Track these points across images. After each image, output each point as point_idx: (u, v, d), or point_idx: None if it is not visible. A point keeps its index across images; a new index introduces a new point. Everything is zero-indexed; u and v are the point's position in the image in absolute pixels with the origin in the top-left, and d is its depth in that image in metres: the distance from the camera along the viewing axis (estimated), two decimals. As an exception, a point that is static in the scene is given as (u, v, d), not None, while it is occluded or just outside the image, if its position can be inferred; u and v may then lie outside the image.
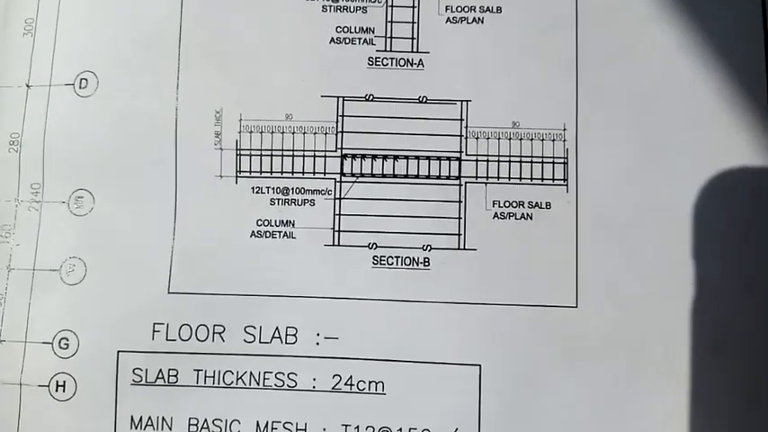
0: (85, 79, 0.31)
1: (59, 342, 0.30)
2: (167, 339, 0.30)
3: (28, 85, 0.31)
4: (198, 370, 0.30)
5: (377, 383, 0.30)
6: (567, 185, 0.30)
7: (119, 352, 0.30)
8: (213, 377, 0.30)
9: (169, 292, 0.30)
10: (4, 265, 0.31)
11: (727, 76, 0.30)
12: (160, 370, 0.30)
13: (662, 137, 0.30)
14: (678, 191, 0.30)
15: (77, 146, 0.31)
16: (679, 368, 0.29)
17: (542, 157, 0.30)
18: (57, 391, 0.30)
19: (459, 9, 0.31)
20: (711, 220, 0.30)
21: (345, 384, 0.30)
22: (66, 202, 0.31)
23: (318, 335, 0.30)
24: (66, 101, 0.31)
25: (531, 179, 0.30)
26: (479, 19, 0.31)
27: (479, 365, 0.30)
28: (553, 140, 0.30)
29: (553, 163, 0.30)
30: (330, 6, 0.31)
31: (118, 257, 0.31)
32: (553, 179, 0.30)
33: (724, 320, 0.29)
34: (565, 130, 0.30)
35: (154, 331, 0.30)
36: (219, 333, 0.30)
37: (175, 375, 0.30)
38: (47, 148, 0.31)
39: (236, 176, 0.31)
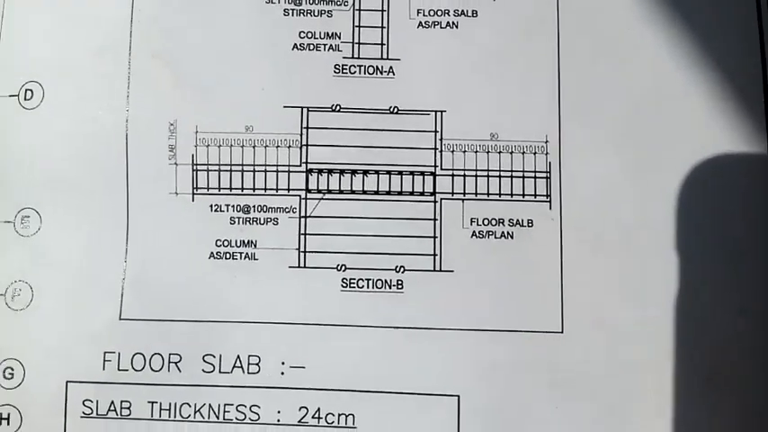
0: (30, 90, 0.29)
1: (4, 371, 0.28)
2: (119, 369, 0.28)
3: (-30, 97, 0.29)
4: (152, 402, 0.28)
5: (347, 416, 0.28)
6: (550, 201, 0.28)
7: (68, 382, 0.28)
8: (169, 410, 0.28)
9: (121, 319, 0.28)
10: (-57, 290, 0.29)
11: (720, 80, 0.29)
12: (112, 402, 0.28)
13: (653, 147, 0.28)
14: (671, 206, 0.28)
15: (23, 161, 0.29)
16: (671, 400, 0.27)
17: (523, 171, 0.29)
18: (0, 424, 0.28)
19: (432, 13, 0.29)
20: (704, 240, 0.28)
21: (313, 417, 0.28)
22: (11, 222, 0.29)
23: (283, 364, 0.28)
24: (10, 113, 0.29)
25: (512, 195, 0.29)
26: (454, 23, 0.29)
27: (458, 396, 0.28)
28: (534, 153, 0.29)
29: (535, 177, 0.29)
30: (293, 10, 0.29)
31: (66, 281, 0.29)
32: (535, 195, 0.28)
33: (719, 349, 0.28)
34: (547, 142, 0.29)
35: (105, 360, 0.28)
36: (176, 362, 0.28)
37: (128, 408, 0.28)
38: (-10, 165, 0.29)
39: (193, 193, 0.29)
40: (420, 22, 0.29)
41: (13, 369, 0.28)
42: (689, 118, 0.28)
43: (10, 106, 0.29)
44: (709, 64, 0.29)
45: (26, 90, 0.29)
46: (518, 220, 0.28)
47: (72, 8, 0.30)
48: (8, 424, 0.28)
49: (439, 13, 0.29)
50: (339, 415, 0.28)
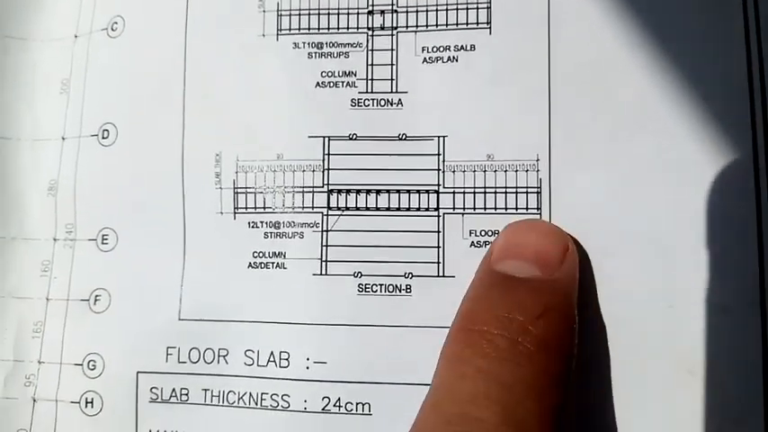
0: (107, 130, 0.35)
1: (88, 363, 0.34)
2: (179, 361, 0.33)
3: (63, 138, 0.35)
4: (206, 389, 0.33)
5: (363, 405, 0.31)
6: (540, 214, 0.31)
7: (138, 373, 0.33)
8: (219, 396, 0.33)
9: (180, 319, 0.33)
10: (43, 296, 0.35)
11: (707, 99, 0.30)
12: (173, 389, 0.33)
13: (638, 163, 0.30)
14: (655, 217, 0.30)
15: (102, 190, 0.35)
16: (655, 391, 0.29)
17: (516, 187, 0.31)
18: (86, 407, 0.34)
19: (435, 49, 0.32)
20: (689, 249, 0.30)
21: (334, 406, 0.31)
22: (94, 240, 0.34)
23: (308, 359, 0.32)
24: (91, 150, 0.35)
25: (506, 209, 0.31)
26: (454, 57, 0.32)
27: (459, 387, 0.31)
28: (527, 171, 0.31)
29: (527, 193, 0.31)
30: (315, 53, 0.33)
31: (137, 288, 0.34)
32: (527, 208, 0.31)
33: (699, 342, 0.29)
34: (538, 160, 0.31)
35: (167, 354, 0.33)
36: (224, 356, 0.33)
37: (186, 394, 0.33)
38: (77, 193, 0.35)
39: (234, 213, 0.33)
40: (425, 58, 0.32)
41: (95, 362, 0.34)
42: (675, 136, 0.30)
43: (92, 144, 0.35)
44: (696, 81, 0.30)
45: (103, 130, 0.35)
46: (511, 231, 0.31)
47: (137, 58, 0.35)
48: (92, 407, 0.34)
49: (441, 48, 0.32)
50: (357, 404, 0.31)
